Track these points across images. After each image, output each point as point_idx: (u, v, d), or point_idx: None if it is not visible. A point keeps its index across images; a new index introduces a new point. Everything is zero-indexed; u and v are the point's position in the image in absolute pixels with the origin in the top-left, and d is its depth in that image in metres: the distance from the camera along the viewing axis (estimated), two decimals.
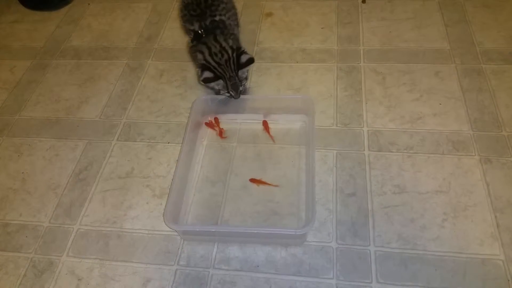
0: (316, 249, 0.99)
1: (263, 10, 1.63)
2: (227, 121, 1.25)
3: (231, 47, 1.16)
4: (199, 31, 1.21)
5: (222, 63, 1.14)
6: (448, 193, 1.05)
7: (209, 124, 1.24)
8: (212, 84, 1.17)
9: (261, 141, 1.20)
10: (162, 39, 1.56)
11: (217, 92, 1.21)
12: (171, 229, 1.04)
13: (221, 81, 1.16)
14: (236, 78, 1.16)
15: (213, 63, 1.15)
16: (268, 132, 1.21)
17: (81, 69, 1.50)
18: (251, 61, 1.15)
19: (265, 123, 1.22)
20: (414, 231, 0.99)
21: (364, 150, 1.16)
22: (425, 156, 1.12)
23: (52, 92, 1.43)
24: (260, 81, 1.37)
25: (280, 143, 1.19)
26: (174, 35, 1.57)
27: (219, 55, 1.14)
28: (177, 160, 1.12)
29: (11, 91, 1.45)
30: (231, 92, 1.18)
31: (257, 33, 1.53)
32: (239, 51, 1.15)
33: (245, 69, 1.17)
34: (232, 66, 1.14)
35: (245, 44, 1.49)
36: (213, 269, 0.98)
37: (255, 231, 1.00)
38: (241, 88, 1.19)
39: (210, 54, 1.15)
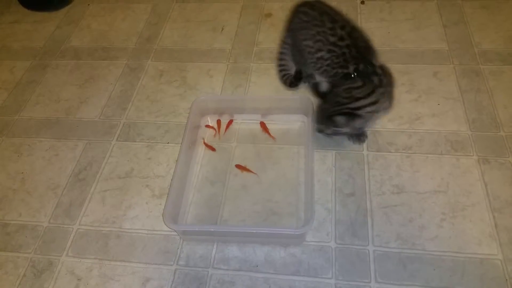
0: (315, 248, 0.99)
1: (263, 11, 1.63)
2: (227, 121, 1.26)
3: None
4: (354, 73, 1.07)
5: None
6: (446, 193, 1.05)
7: (210, 126, 1.25)
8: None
9: (260, 141, 1.21)
10: (162, 40, 1.57)
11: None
12: (170, 229, 1.04)
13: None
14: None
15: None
16: (268, 132, 1.21)
17: (80, 69, 1.50)
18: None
19: (262, 124, 1.22)
20: (413, 231, 1.00)
21: (363, 150, 1.16)
22: (423, 156, 1.13)
23: (51, 92, 1.43)
24: (260, 82, 1.37)
25: (279, 143, 1.20)
26: (174, 36, 1.58)
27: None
28: (177, 160, 1.12)
29: (10, 91, 1.45)
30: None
31: (257, 34, 1.54)
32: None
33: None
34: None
35: (244, 44, 1.50)
36: (212, 269, 0.98)
37: (254, 231, 1.00)
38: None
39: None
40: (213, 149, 1.19)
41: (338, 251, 0.98)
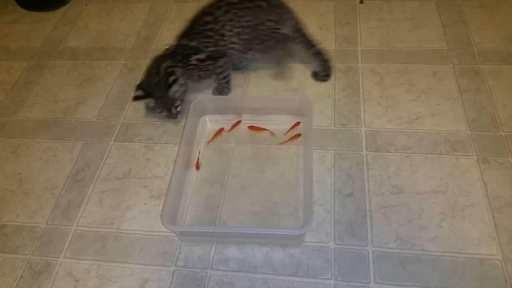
0: (314, 249, 0.99)
1: None
2: (226, 121, 1.25)
3: (166, 69, 1.21)
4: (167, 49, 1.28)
5: (153, 83, 1.21)
6: (446, 193, 1.05)
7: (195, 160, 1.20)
8: (144, 102, 1.25)
9: (259, 142, 1.20)
10: (160, 40, 1.56)
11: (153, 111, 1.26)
12: (168, 230, 1.04)
13: (152, 100, 1.21)
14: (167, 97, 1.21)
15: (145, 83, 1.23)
16: (263, 129, 1.21)
17: (78, 69, 1.49)
18: (175, 80, 1.19)
19: (252, 128, 1.22)
20: (412, 231, 0.99)
21: (362, 151, 1.16)
22: (423, 156, 1.13)
23: (49, 93, 1.43)
24: (258, 82, 1.37)
25: (279, 144, 1.19)
26: (172, 36, 1.55)
27: (152, 77, 1.21)
28: (175, 161, 1.11)
29: (8, 92, 1.45)
30: (165, 112, 1.23)
31: None
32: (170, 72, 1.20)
33: (173, 89, 1.20)
34: (162, 86, 1.19)
35: None
36: (211, 270, 0.98)
37: (253, 232, 0.99)
38: (178, 109, 1.23)
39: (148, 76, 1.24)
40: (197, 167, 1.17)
41: (337, 252, 0.98)
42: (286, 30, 1.27)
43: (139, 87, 1.22)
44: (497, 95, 1.24)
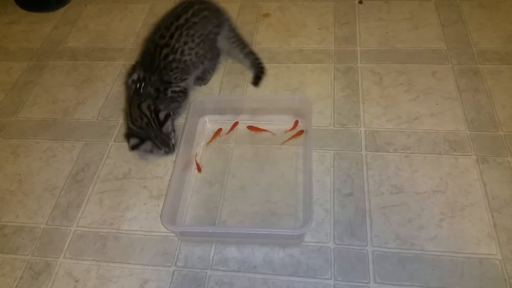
0: (313, 249, 0.99)
1: (260, 11, 1.63)
2: (225, 121, 1.26)
3: (149, 108, 1.14)
4: (137, 85, 1.18)
5: (144, 126, 1.14)
6: (445, 193, 1.05)
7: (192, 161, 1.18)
8: (142, 148, 1.15)
9: (259, 142, 1.20)
10: None
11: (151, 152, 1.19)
12: (168, 230, 1.04)
13: (149, 143, 1.14)
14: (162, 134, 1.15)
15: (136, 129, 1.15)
16: (261, 130, 1.21)
17: (78, 70, 1.49)
18: (168, 116, 1.14)
19: (251, 128, 1.22)
20: (412, 231, 0.99)
21: (361, 150, 1.16)
22: (422, 156, 1.13)
23: (49, 93, 1.43)
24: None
25: (278, 144, 1.19)
26: None
27: (139, 120, 1.14)
28: (174, 161, 1.11)
29: (7, 92, 1.45)
30: (164, 149, 1.17)
31: (254, 34, 1.53)
32: (156, 109, 1.14)
33: (166, 125, 1.14)
34: (154, 125, 1.14)
35: None
36: (210, 270, 0.98)
37: (253, 232, 0.99)
38: (173, 141, 1.18)
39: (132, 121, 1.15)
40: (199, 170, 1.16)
41: (336, 252, 0.98)
42: (224, 31, 1.31)
43: (130, 135, 1.14)
44: (496, 95, 1.24)
